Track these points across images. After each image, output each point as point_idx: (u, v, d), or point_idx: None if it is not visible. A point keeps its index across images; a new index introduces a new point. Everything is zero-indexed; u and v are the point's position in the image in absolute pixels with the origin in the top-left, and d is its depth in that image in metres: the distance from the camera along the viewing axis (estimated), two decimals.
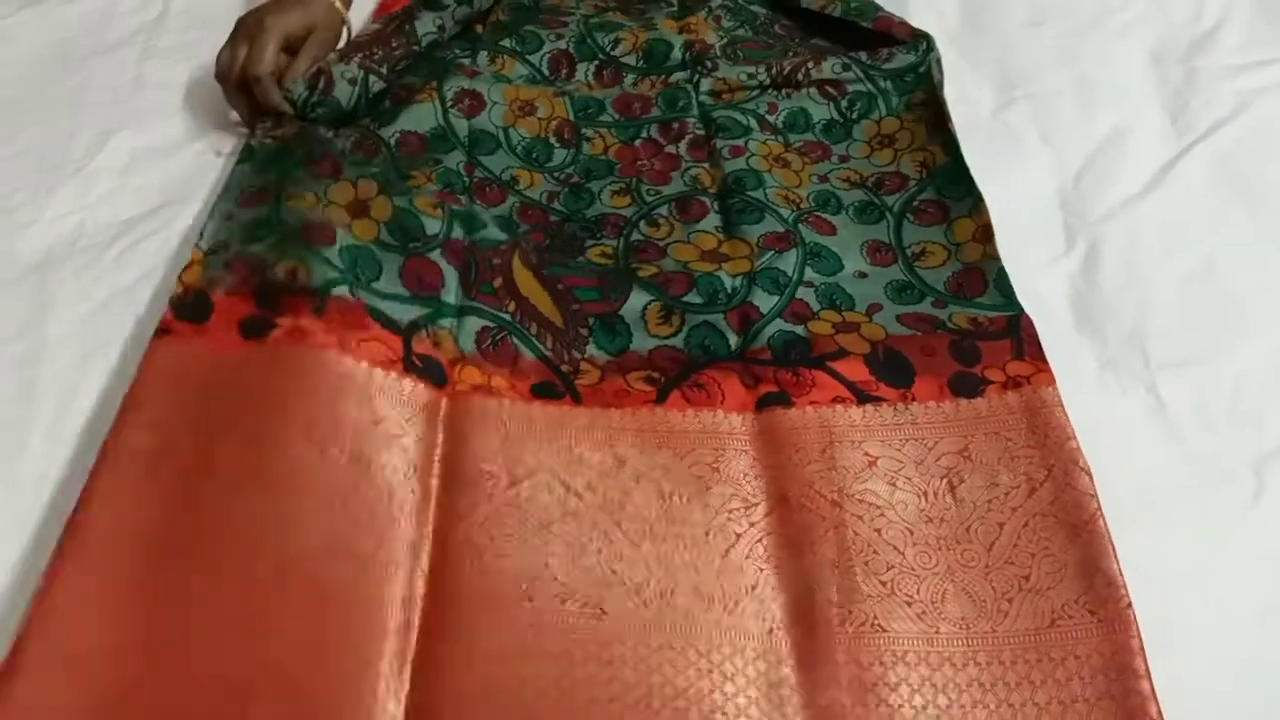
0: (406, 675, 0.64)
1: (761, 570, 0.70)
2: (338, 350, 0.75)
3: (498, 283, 0.85)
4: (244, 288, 0.79)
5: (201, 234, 0.85)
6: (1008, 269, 0.86)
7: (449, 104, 0.99)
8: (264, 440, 0.70)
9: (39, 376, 0.80)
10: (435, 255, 0.85)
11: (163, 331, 0.77)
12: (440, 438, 0.75)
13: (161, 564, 0.66)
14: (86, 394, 0.79)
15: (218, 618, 0.64)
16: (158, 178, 0.96)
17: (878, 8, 1.11)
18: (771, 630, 0.68)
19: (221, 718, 0.61)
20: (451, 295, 0.83)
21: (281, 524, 0.67)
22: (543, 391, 0.79)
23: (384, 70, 1.01)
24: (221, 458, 0.70)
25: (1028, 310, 0.83)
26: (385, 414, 0.73)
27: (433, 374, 0.78)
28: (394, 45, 1.02)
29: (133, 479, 0.69)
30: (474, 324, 0.82)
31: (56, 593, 0.64)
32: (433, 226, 0.87)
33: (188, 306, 0.79)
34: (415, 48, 1.04)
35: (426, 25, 1.05)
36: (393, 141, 0.97)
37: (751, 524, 0.72)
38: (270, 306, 0.78)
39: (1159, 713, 0.63)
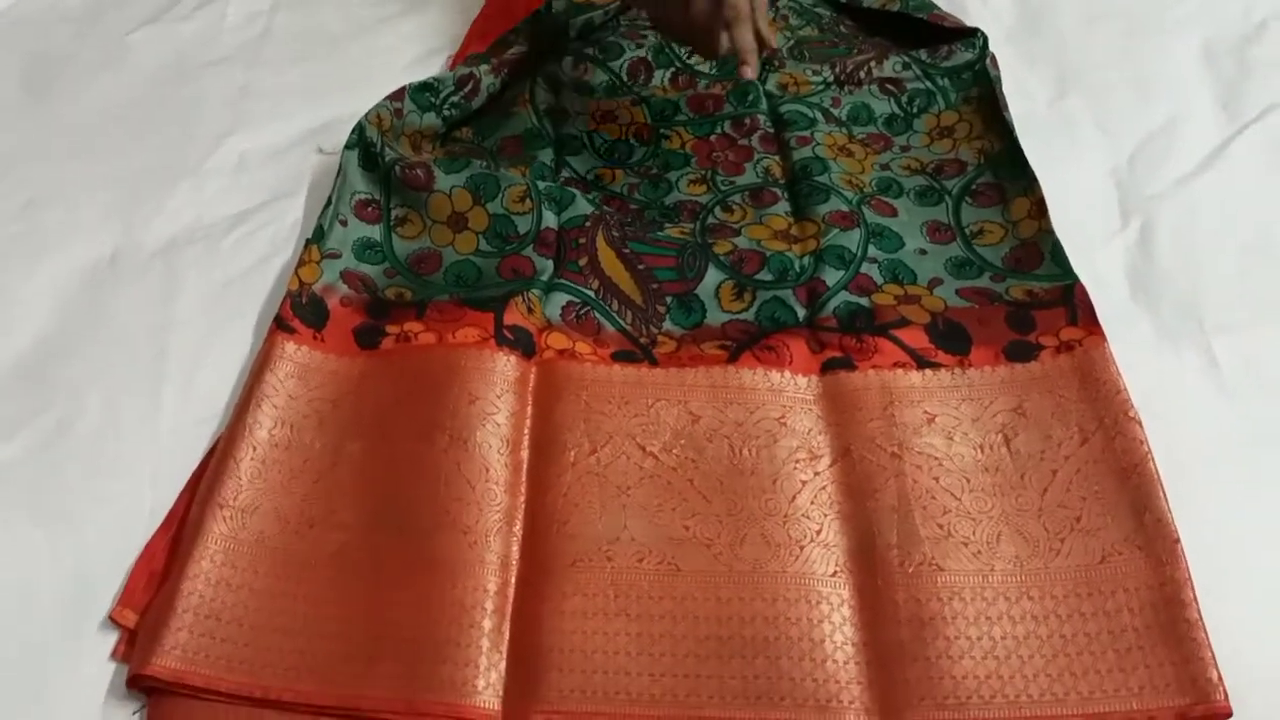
0: (507, 629, 0.71)
1: (826, 516, 0.75)
2: (438, 345, 0.84)
3: (583, 261, 0.93)
4: (356, 301, 0.90)
5: (320, 231, 0.93)
6: (1065, 247, 0.90)
7: (541, 113, 1.07)
8: (382, 438, 0.80)
9: (169, 344, 0.89)
10: (528, 251, 0.93)
11: (285, 328, 0.86)
12: (529, 410, 0.82)
13: (296, 538, 0.76)
14: (210, 365, 0.87)
15: (348, 586, 0.73)
16: (266, 175, 1.05)
17: (933, 6, 1.16)
18: (835, 573, 0.73)
19: (351, 674, 0.69)
20: (544, 277, 0.91)
21: (399, 506, 0.76)
22: (622, 357, 0.86)
23: (508, 83, 1.10)
24: (345, 453, 0.80)
25: (1085, 284, 0.87)
26: (480, 394, 0.80)
27: (522, 344, 0.85)
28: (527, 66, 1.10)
29: (268, 464, 0.79)
30: (560, 298, 0.90)
31: (200, 556, 0.73)
32: (524, 224, 0.94)
33: (306, 308, 0.88)
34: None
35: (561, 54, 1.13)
36: (494, 149, 1.06)
37: (816, 473, 0.77)
38: (379, 317, 0.89)
39: (1206, 638, 0.66)
